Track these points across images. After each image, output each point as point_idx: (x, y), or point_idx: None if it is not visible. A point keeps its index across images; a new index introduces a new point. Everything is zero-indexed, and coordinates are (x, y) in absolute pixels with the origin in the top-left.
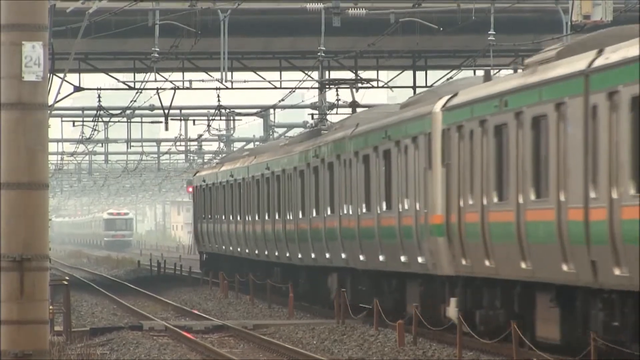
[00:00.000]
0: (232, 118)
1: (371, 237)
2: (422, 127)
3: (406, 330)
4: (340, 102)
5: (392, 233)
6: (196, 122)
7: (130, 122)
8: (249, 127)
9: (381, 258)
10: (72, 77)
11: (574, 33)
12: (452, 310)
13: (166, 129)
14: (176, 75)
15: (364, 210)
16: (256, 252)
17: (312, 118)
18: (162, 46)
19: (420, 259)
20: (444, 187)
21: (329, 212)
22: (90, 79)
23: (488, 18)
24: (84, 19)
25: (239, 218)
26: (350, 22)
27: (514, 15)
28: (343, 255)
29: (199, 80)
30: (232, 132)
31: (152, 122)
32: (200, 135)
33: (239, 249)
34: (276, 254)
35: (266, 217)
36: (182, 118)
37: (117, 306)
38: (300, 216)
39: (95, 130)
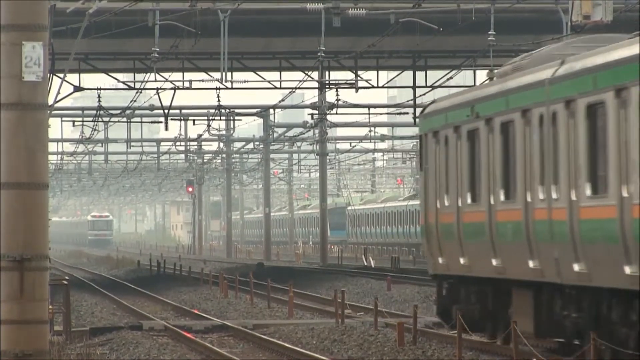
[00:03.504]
0: (232, 118)
1: None
2: None
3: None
4: (340, 102)
5: None
6: (196, 122)
7: (130, 122)
8: (249, 127)
9: None
10: (72, 77)
11: (574, 33)
12: None
13: (166, 129)
14: (176, 75)
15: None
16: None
17: (312, 118)
18: (162, 46)
19: None
20: None
21: None
22: (90, 79)
23: (488, 18)
24: (84, 19)
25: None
26: (350, 22)
27: (514, 15)
28: None
29: (199, 80)
30: (231, 132)
31: (152, 122)
32: (200, 135)
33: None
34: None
35: None
36: (182, 118)
37: (116, 306)
38: None
39: (95, 130)
